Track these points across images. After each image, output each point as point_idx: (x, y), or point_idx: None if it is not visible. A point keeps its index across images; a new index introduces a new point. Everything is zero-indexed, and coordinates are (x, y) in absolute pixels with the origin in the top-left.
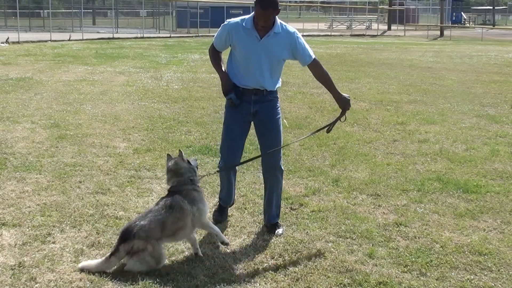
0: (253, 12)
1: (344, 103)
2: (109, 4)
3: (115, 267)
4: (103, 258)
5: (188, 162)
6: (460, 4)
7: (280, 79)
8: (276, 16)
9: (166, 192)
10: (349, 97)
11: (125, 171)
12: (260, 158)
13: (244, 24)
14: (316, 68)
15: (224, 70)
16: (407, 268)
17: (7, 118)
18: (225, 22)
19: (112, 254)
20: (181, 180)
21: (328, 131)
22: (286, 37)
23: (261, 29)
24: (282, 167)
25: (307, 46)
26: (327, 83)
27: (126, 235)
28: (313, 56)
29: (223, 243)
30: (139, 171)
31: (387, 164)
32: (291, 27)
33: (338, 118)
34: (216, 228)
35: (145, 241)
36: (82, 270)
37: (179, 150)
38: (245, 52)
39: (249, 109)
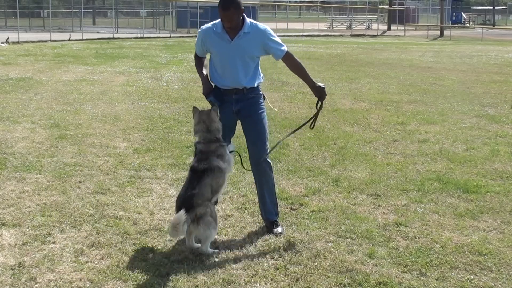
0: None
1: (320, 92)
2: (109, 4)
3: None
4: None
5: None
6: (460, 4)
7: (261, 74)
8: (245, 15)
9: (194, 147)
10: (324, 85)
11: (125, 171)
12: (248, 154)
13: (214, 29)
14: (289, 60)
15: (205, 74)
16: (407, 268)
17: (7, 118)
18: (199, 29)
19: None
20: (211, 138)
21: (311, 127)
22: (257, 35)
23: (230, 31)
24: (269, 160)
25: (279, 41)
26: (302, 73)
27: (188, 205)
28: (286, 50)
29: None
30: (139, 171)
31: (387, 164)
32: (263, 25)
33: (318, 110)
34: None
35: (204, 206)
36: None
37: (213, 106)
38: (220, 54)
39: (231, 109)
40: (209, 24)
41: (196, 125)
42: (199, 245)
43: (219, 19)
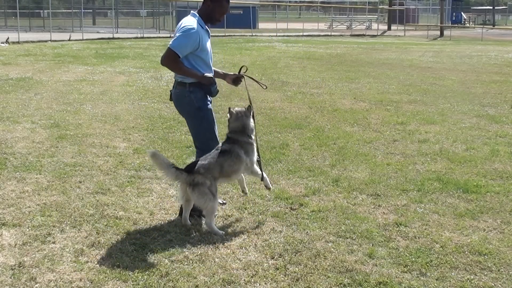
0: (199, 11)
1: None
2: (109, 4)
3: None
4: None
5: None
6: (460, 4)
7: None
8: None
9: (226, 137)
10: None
11: (125, 171)
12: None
13: (202, 25)
14: None
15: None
16: (407, 268)
17: (7, 118)
18: (192, 29)
19: (176, 168)
20: (243, 134)
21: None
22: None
23: (208, 25)
24: None
25: None
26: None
27: (190, 169)
28: None
29: (267, 187)
30: (139, 171)
31: (387, 164)
32: None
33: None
34: (261, 173)
35: (204, 176)
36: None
37: (249, 106)
38: (209, 49)
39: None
40: (194, 22)
41: (232, 122)
42: (190, 223)
43: (196, 17)
